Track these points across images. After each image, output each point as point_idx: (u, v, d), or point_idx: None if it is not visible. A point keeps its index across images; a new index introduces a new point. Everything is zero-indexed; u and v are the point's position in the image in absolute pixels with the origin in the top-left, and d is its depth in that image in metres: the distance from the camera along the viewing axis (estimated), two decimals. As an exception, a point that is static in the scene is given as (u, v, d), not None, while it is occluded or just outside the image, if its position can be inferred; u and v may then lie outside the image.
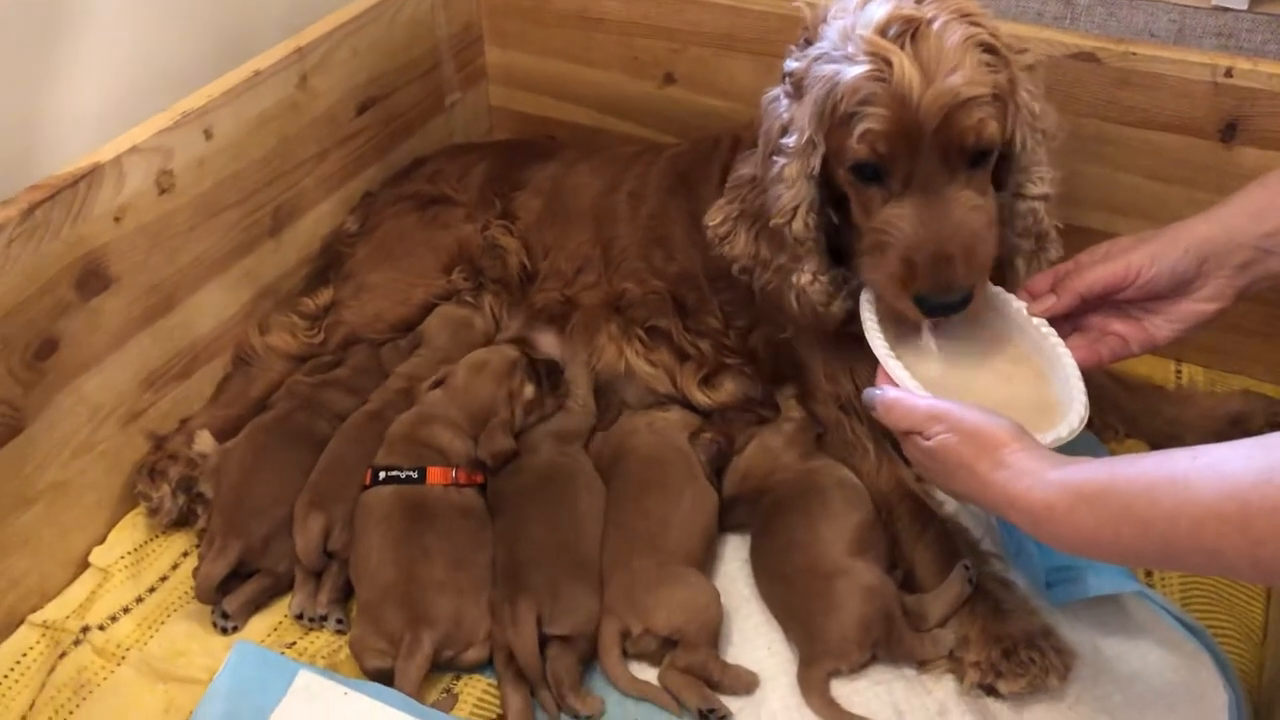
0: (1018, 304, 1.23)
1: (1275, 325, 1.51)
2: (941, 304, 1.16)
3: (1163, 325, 1.21)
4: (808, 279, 1.27)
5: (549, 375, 1.50)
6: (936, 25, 1.12)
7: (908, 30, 1.12)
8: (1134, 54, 1.43)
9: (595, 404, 1.52)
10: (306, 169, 1.65)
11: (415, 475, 1.35)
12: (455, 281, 1.65)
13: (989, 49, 1.14)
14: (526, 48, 1.91)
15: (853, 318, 1.29)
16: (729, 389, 1.51)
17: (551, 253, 1.63)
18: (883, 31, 1.13)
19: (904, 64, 1.10)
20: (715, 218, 1.34)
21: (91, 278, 1.35)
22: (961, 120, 1.11)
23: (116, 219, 1.36)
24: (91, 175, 1.32)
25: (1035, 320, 1.22)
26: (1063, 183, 1.27)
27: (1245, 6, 1.53)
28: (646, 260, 1.55)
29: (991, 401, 1.11)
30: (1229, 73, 1.39)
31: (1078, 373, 1.17)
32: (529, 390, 1.47)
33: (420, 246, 1.66)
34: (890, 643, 1.21)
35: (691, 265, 1.51)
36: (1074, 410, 1.13)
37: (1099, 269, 1.20)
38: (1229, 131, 1.42)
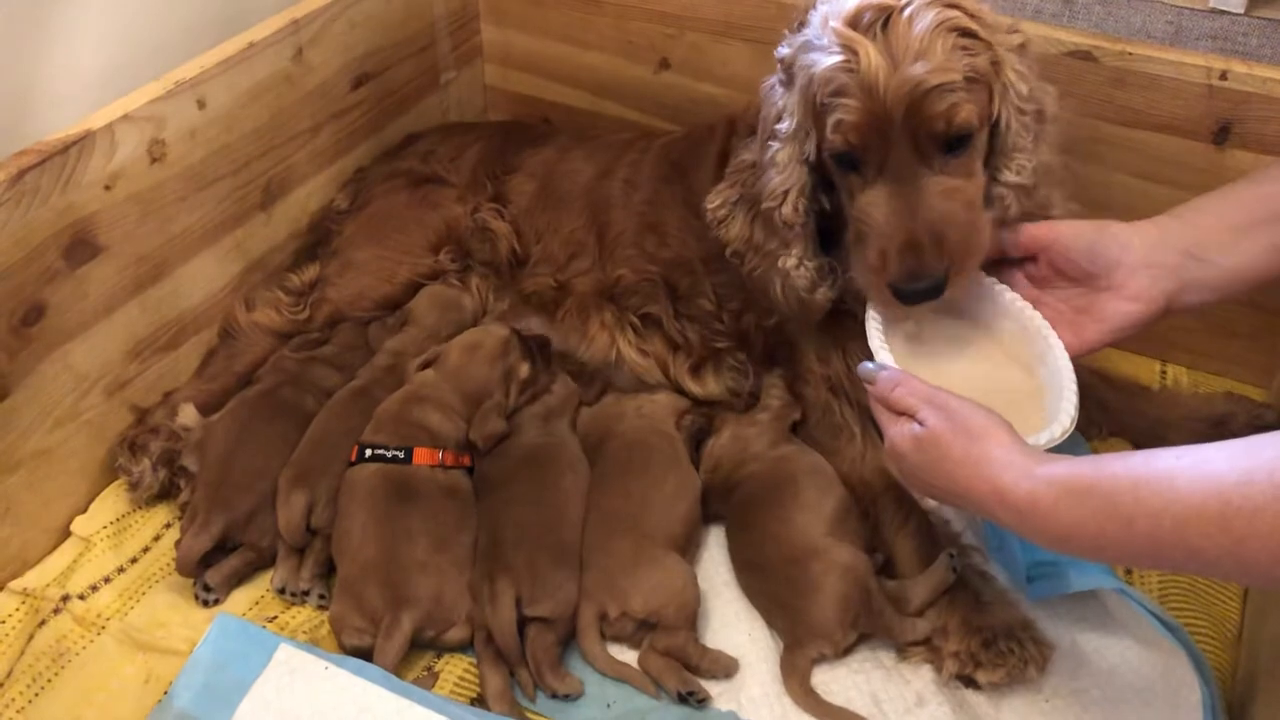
0: (1012, 296, 1.23)
1: (1258, 328, 1.52)
2: (914, 291, 1.15)
3: (1090, 325, 1.20)
4: (794, 263, 1.27)
5: (541, 350, 1.49)
6: (908, 12, 1.12)
7: (879, 19, 1.12)
8: (1130, 54, 1.43)
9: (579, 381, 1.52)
10: (299, 142, 1.64)
11: (401, 455, 1.34)
12: (442, 262, 1.64)
13: (965, 32, 1.14)
14: (523, 28, 1.90)
15: (837, 306, 1.30)
16: (720, 381, 1.51)
17: (544, 238, 1.62)
18: (855, 21, 1.13)
19: (870, 54, 1.11)
20: (714, 200, 1.35)
21: (80, 246, 1.34)
22: (930, 107, 1.11)
23: (107, 187, 1.35)
24: (83, 142, 1.31)
25: (1031, 314, 1.21)
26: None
27: (1242, 10, 1.53)
28: (640, 247, 1.55)
29: (983, 394, 1.10)
30: (1224, 75, 1.40)
31: (1070, 370, 1.17)
32: (524, 369, 1.47)
33: (409, 225, 1.65)
34: (870, 616, 1.21)
35: (685, 250, 1.51)
36: (1063, 412, 1.13)
37: (1029, 227, 1.22)
38: (1222, 134, 1.43)
